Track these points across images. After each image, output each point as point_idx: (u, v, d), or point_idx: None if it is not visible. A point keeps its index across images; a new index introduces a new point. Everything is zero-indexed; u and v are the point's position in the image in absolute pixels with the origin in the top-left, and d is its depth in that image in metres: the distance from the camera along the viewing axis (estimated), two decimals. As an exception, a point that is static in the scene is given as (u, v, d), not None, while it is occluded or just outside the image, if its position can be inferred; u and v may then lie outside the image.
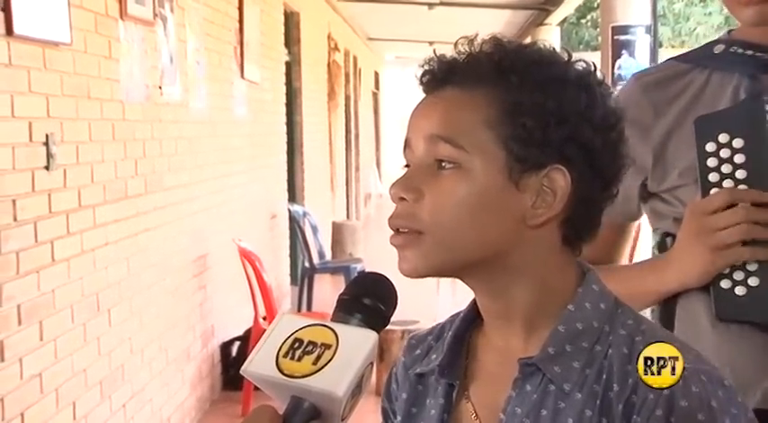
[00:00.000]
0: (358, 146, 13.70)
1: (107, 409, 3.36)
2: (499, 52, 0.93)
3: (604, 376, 0.89)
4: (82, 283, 3.12)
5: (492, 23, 12.19)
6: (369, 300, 0.86)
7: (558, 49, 0.96)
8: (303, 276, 6.93)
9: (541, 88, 0.91)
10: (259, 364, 0.82)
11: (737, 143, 1.24)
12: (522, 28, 12.78)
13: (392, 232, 0.94)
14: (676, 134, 1.33)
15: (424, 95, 0.98)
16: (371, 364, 0.82)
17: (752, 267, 1.23)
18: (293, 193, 7.62)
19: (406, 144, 0.96)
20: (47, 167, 2.84)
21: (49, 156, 2.84)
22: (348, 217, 11.80)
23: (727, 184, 1.24)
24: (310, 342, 0.81)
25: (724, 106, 1.31)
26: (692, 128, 1.27)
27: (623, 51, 6.26)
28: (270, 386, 0.82)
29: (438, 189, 0.91)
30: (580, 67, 0.94)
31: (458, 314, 1.03)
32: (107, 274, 3.34)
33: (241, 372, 0.83)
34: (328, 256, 7.77)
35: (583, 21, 19.49)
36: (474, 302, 1.00)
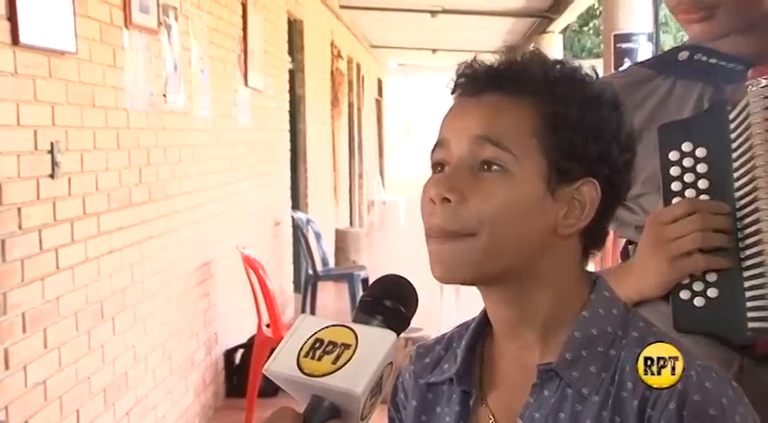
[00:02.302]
0: (361, 153, 13.72)
1: (111, 417, 3.36)
2: (544, 64, 0.96)
3: (617, 377, 0.92)
4: (86, 290, 3.13)
5: (494, 31, 12.22)
6: (390, 302, 0.87)
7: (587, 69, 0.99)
8: (306, 284, 6.94)
9: (582, 104, 0.94)
10: (280, 364, 0.83)
11: (701, 152, 1.22)
12: (525, 36, 12.80)
13: (431, 235, 0.93)
14: (641, 141, 1.32)
15: (456, 99, 0.99)
16: (391, 364, 0.84)
17: (711, 278, 1.20)
18: (297, 201, 7.63)
19: (441, 144, 0.96)
20: (52, 175, 2.86)
21: (53, 164, 2.86)
22: (351, 224, 11.81)
23: (689, 193, 1.22)
24: (330, 342, 0.82)
25: (688, 114, 1.29)
26: (656, 135, 1.25)
27: (625, 59, 6.26)
28: (291, 385, 0.83)
29: (482, 191, 0.92)
30: (610, 89, 0.97)
31: (465, 324, 1.04)
32: (111, 281, 3.35)
33: (263, 371, 0.84)
34: (332, 263, 7.78)
35: (585, 29, 19.51)
36: (484, 312, 1.01)
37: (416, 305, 0.90)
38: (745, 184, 1.19)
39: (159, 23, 3.84)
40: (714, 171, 1.22)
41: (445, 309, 5.93)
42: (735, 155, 1.20)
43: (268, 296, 4.78)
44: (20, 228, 2.66)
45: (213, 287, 4.76)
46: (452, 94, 0.99)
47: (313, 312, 6.79)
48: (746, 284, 1.19)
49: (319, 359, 0.81)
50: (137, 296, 3.61)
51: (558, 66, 0.96)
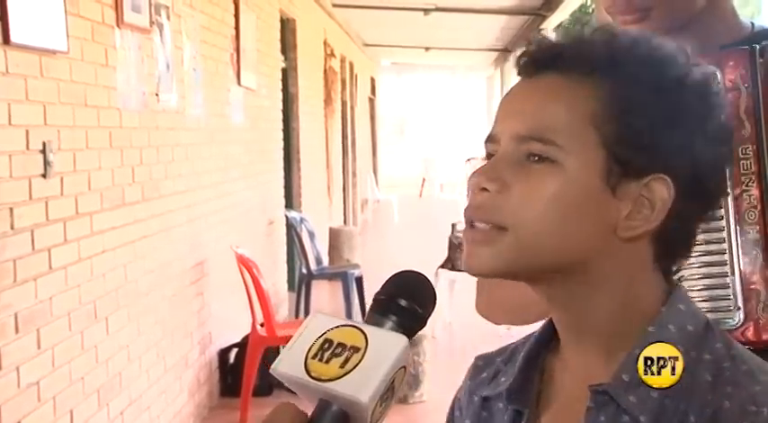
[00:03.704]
0: (354, 152, 13.72)
1: (105, 417, 3.35)
2: (615, 42, 0.84)
3: (680, 407, 0.80)
4: (79, 290, 3.12)
5: (487, 29, 12.23)
6: (405, 301, 0.82)
7: (679, 49, 0.86)
8: (300, 282, 6.93)
9: (657, 87, 0.82)
10: (288, 364, 0.80)
11: None
12: (518, 33, 12.81)
13: (465, 226, 0.85)
14: None
15: (519, 79, 0.89)
16: (404, 368, 0.80)
17: None
18: (290, 200, 7.63)
19: (491, 138, 0.86)
20: (44, 175, 2.85)
21: (46, 163, 2.85)
22: (345, 223, 11.80)
23: None
24: (340, 344, 0.79)
25: None
26: None
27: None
28: (298, 387, 0.81)
29: (526, 182, 0.82)
30: (701, 73, 0.85)
31: (532, 334, 0.94)
32: (104, 281, 3.34)
33: (270, 371, 0.81)
34: (326, 261, 7.77)
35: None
36: (551, 320, 0.91)
37: (434, 304, 0.85)
38: None
39: (151, 23, 3.83)
40: None
41: (441, 305, 5.93)
42: None
43: (262, 295, 4.77)
44: (12, 228, 2.65)
45: (207, 286, 4.75)
46: (518, 75, 0.88)
47: (307, 311, 6.78)
48: None
49: (327, 362, 0.78)
50: (130, 296, 3.60)
51: (634, 43, 0.84)
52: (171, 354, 4.14)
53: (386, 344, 0.79)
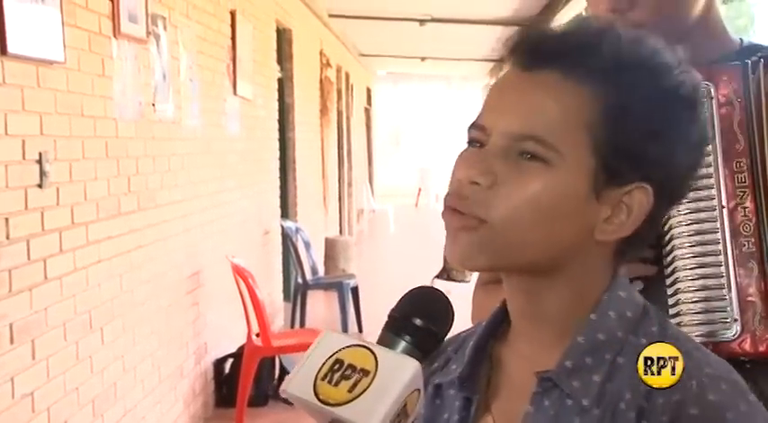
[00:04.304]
0: (350, 161, 13.73)
1: (100, 428, 3.34)
2: (617, 43, 0.83)
3: (617, 387, 0.83)
4: (75, 300, 3.12)
5: (483, 39, 12.27)
6: (420, 320, 0.81)
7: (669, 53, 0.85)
8: (296, 292, 6.92)
9: (654, 97, 0.82)
10: (297, 386, 0.79)
11: None
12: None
13: (447, 215, 0.84)
14: None
15: (510, 68, 0.87)
16: (418, 390, 0.79)
17: (637, 287, 1.20)
18: (286, 210, 7.63)
19: (480, 128, 0.85)
20: (40, 185, 2.85)
21: (42, 173, 2.85)
22: (341, 233, 11.81)
23: None
24: (350, 365, 0.78)
25: None
26: None
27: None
28: (307, 408, 0.79)
29: (516, 179, 0.82)
30: (691, 83, 0.85)
31: (480, 323, 0.95)
32: (100, 291, 3.34)
33: (280, 391, 0.80)
34: (321, 272, 7.77)
35: (574, 36, 19.57)
36: (500, 309, 0.92)
37: (452, 321, 0.84)
38: None
39: (148, 33, 3.83)
40: None
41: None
42: None
43: (257, 305, 4.77)
44: (7, 238, 2.65)
45: (202, 296, 4.75)
46: (513, 65, 0.86)
47: (303, 321, 6.77)
48: (669, 291, 1.23)
49: (336, 384, 0.77)
50: (125, 306, 3.59)
51: (635, 47, 0.83)
52: (166, 364, 4.13)
53: (396, 368, 0.78)
